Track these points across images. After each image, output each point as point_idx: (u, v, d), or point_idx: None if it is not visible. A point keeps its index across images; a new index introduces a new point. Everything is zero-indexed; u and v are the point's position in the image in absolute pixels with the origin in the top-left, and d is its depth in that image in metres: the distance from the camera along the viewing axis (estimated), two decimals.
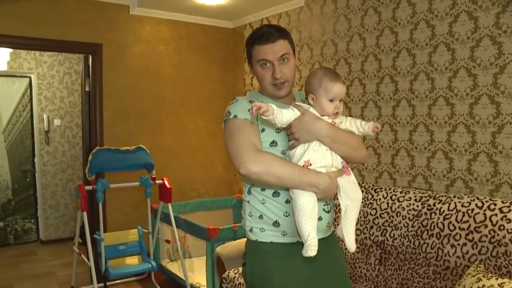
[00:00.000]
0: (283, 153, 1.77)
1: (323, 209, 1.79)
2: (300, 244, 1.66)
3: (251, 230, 1.82)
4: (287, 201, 1.75)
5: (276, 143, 1.76)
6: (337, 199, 1.74)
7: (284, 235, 1.76)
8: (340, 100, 1.72)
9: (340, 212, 1.74)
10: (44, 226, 6.09)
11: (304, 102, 1.83)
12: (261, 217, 1.78)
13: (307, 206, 1.62)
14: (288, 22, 4.38)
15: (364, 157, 1.86)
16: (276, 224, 1.75)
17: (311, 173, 1.64)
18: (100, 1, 4.30)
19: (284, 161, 1.68)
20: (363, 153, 1.85)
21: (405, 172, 3.33)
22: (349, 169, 1.76)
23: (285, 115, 1.66)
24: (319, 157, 1.68)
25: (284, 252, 1.76)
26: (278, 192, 1.76)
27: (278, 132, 1.78)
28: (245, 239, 1.91)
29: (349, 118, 1.82)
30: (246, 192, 1.84)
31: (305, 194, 1.63)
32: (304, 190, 1.63)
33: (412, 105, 3.25)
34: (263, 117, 1.61)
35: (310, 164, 1.66)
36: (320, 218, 1.76)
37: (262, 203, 1.78)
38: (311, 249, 1.58)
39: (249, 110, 1.68)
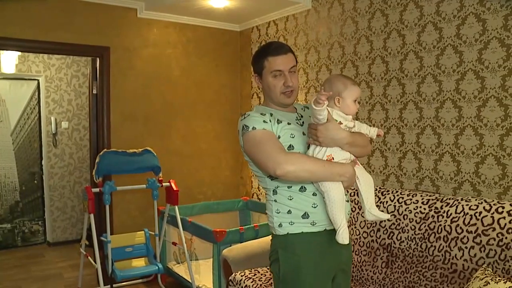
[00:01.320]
0: None
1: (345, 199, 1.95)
2: (327, 232, 1.92)
3: (280, 225, 1.93)
4: (314, 194, 1.91)
5: (292, 147, 1.92)
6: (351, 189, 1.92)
7: (313, 225, 1.91)
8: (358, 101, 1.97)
9: (361, 199, 1.94)
10: (51, 228, 6.12)
11: (304, 111, 2.12)
12: (289, 212, 1.92)
13: (339, 196, 1.83)
14: (295, 25, 4.38)
15: (369, 151, 2.08)
16: (305, 215, 1.90)
17: (337, 164, 1.85)
18: (107, 4, 4.32)
19: (313, 158, 1.86)
20: (369, 149, 2.06)
21: (412, 174, 3.32)
22: (358, 160, 1.99)
23: (322, 113, 1.84)
24: (339, 152, 1.88)
25: (314, 240, 1.92)
26: (304, 188, 1.91)
27: (292, 137, 1.94)
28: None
29: (356, 121, 2.00)
30: (271, 193, 1.97)
31: (335, 185, 1.84)
32: (333, 180, 1.84)
33: (420, 108, 3.24)
34: (316, 108, 1.80)
35: (333, 158, 1.86)
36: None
37: (290, 199, 1.92)
38: (345, 237, 1.80)
39: (264, 121, 1.90)
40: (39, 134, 6.08)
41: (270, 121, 1.93)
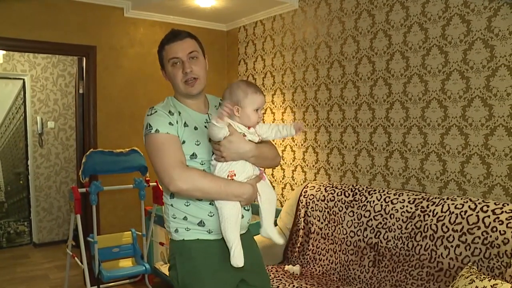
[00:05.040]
0: (202, 164, 1.85)
1: (244, 208, 1.90)
2: (224, 241, 1.79)
3: (176, 231, 1.86)
4: (211, 203, 1.83)
5: (196, 155, 1.83)
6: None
7: (209, 233, 1.84)
8: (261, 109, 1.86)
9: (260, 215, 1.90)
10: (37, 229, 6.05)
11: (217, 109, 1.99)
12: (185, 218, 1.84)
13: (233, 215, 1.76)
14: (282, 24, 4.39)
15: (278, 162, 2.04)
16: (201, 223, 1.83)
17: (235, 184, 1.78)
18: (94, 3, 4.28)
19: (210, 176, 1.79)
20: (278, 160, 2.04)
21: (398, 174, 3.34)
22: (264, 174, 1.92)
23: (220, 132, 1.73)
24: (242, 169, 1.81)
25: (211, 247, 1.84)
26: None
27: (197, 145, 1.84)
28: None
29: (271, 124, 1.92)
30: (169, 196, 1.88)
31: (230, 204, 1.76)
32: (229, 200, 1.76)
33: (406, 108, 3.26)
34: (215, 123, 1.69)
35: (235, 175, 1.79)
36: (242, 216, 1.85)
37: (186, 205, 1.84)
38: (239, 259, 1.73)
39: (170, 123, 1.78)
40: (24, 134, 6.01)
41: (177, 122, 1.83)
